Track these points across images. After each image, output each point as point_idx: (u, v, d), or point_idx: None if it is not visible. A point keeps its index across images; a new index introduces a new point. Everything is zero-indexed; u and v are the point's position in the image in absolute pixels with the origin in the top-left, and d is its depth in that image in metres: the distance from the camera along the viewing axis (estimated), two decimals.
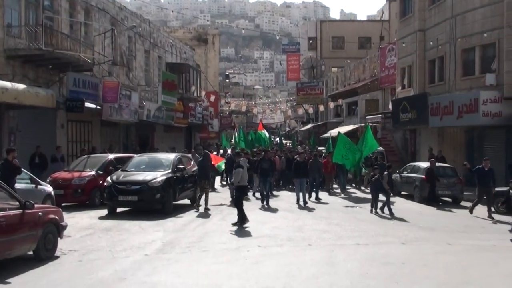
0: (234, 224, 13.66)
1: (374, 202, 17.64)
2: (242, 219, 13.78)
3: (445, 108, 25.98)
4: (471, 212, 17.68)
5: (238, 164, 14.61)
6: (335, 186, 25.07)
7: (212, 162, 19.67)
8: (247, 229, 13.45)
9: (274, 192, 21.93)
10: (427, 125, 27.93)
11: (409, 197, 21.71)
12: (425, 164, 22.80)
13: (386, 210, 17.16)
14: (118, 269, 8.83)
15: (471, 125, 25.16)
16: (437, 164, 23.04)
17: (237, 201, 14.25)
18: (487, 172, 17.55)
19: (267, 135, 34.40)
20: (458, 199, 21.25)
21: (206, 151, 20.42)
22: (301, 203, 18.67)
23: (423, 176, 21.09)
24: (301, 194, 18.94)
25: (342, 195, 22.75)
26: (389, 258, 10.24)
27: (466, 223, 15.92)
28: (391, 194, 18.01)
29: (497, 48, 23.87)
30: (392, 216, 16.43)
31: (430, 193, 20.16)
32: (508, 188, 16.68)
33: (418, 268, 9.53)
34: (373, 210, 17.51)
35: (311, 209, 17.60)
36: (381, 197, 17.50)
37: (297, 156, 21.17)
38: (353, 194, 23.31)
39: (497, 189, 19.09)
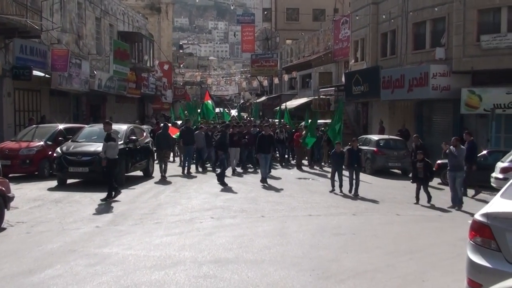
0: (103, 200, 12.70)
1: (333, 180, 16.03)
2: (110, 194, 12.96)
3: (396, 82, 26.46)
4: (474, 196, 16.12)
5: (110, 136, 13.36)
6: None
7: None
8: (200, 201, 13.44)
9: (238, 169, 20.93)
10: (379, 98, 28.41)
11: None
12: (376, 137, 23.28)
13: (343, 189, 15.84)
14: (68, 241, 8.67)
15: (421, 98, 25.73)
16: (389, 136, 23.59)
17: (108, 175, 13.30)
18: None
19: (212, 104, 32.02)
20: (408, 171, 21.76)
21: (166, 122, 20.60)
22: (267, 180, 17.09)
23: (374, 149, 21.53)
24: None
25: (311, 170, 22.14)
26: (340, 229, 10.45)
27: (414, 195, 16.32)
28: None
29: (447, 22, 24.37)
30: (355, 196, 15.11)
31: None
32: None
33: (368, 238, 9.76)
34: (334, 189, 15.81)
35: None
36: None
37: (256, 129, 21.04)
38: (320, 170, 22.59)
39: (443, 161, 19.67)
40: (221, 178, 16.30)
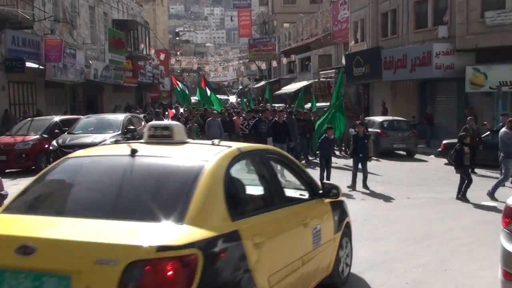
0: None
1: (323, 172, 13.66)
2: None
3: (398, 62, 25.91)
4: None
5: None
6: None
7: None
8: None
9: None
10: (381, 79, 27.89)
11: None
12: (380, 118, 22.76)
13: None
14: None
15: (424, 78, 25.20)
16: (393, 117, 23.07)
17: None
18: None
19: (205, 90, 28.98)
20: (412, 152, 21.34)
21: (158, 110, 19.95)
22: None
23: (378, 130, 21.02)
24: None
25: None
26: (350, 215, 9.96)
27: (422, 176, 15.90)
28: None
29: None
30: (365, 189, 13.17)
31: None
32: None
33: (381, 224, 9.32)
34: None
35: None
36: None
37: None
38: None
39: (449, 140, 19.25)
40: None
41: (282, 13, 57.70)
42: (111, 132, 15.57)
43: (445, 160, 18.76)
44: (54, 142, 15.00)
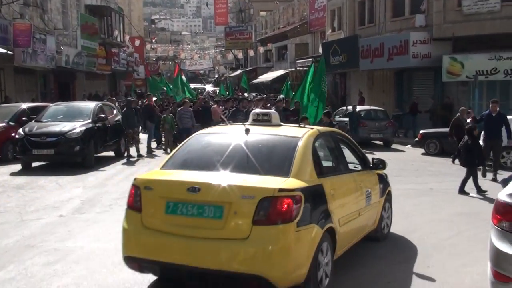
0: None
1: None
2: None
3: (375, 51, 25.67)
4: (483, 175, 13.37)
5: None
6: None
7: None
8: None
9: None
10: (358, 68, 27.64)
11: None
12: (357, 108, 22.48)
13: None
14: (26, 235, 7.65)
15: (401, 67, 25.03)
16: (370, 107, 22.87)
17: None
18: (496, 119, 13.31)
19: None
20: (390, 142, 21.18)
21: (129, 98, 19.23)
22: None
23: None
24: None
25: None
26: None
27: (400, 167, 15.65)
28: None
29: None
30: None
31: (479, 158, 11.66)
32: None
33: None
34: None
35: None
36: None
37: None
38: None
39: (426, 130, 19.12)
40: None
41: (259, 1, 57.11)
42: (81, 120, 14.94)
43: (422, 150, 18.64)
44: (20, 131, 14.32)
